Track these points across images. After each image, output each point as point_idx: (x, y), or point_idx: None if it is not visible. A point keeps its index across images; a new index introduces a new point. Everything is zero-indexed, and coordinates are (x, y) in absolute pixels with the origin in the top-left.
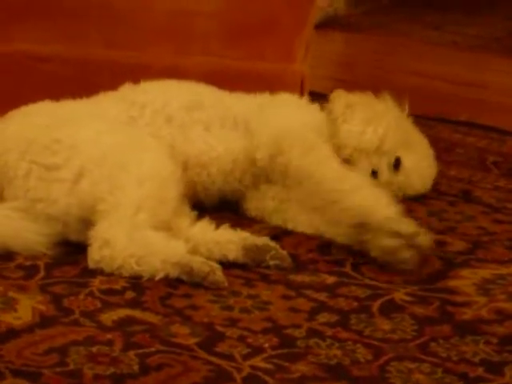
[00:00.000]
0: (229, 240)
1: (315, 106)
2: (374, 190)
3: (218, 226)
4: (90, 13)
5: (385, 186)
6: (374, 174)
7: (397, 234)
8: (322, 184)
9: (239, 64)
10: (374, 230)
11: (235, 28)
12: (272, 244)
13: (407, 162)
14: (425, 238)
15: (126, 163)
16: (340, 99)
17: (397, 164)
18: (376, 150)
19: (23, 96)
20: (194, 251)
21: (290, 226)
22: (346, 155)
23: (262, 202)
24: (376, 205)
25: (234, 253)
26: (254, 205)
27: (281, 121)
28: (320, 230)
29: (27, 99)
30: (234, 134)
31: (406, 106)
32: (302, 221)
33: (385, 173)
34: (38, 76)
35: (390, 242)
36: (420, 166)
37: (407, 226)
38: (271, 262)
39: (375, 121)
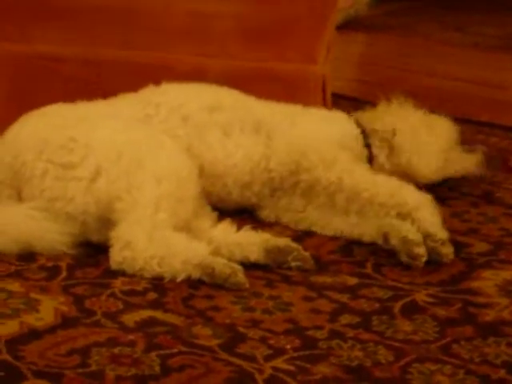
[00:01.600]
0: (250, 241)
1: (344, 120)
2: (413, 189)
3: (239, 228)
4: (110, 14)
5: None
6: None
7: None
8: (359, 193)
9: (259, 65)
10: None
11: (255, 29)
12: (294, 245)
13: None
14: (448, 250)
15: (142, 161)
16: (385, 118)
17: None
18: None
19: (41, 97)
20: (215, 253)
21: (314, 230)
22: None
23: (277, 211)
24: (422, 201)
25: (255, 254)
26: (268, 213)
27: (303, 137)
28: (343, 232)
29: (45, 100)
30: (253, 139)
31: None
32: (323, 225)
33: None
34: (56, 77)
35: (411, 235)
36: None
37: (440, 231)
38: (293, 264)
39: (424, 152)
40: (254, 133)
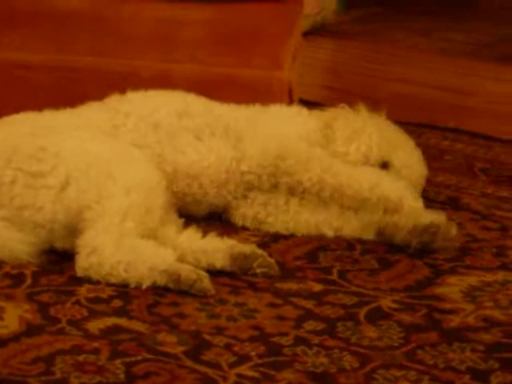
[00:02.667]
0: (216, 248)
1: (306, 115)
2: (394, 181)
3: (204, 234)
4: (77, 21)
5: None
6: None
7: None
8: (343, 190)
9: (225, 71)
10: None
11: (221, 36)
12: (259, 252)
13: (396, 161)
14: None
15: (112, 172)
16: (319, 119)
17: (385, 165)
18: (364, 163)
19: (8, 104)
20: (181, 260)
21: (290, 229)
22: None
23: (251, 210)
24: (404, 193)
25: (221, 261)
26: (240, 213)
27: (269, 133)
28: (323, 230)
29: (13, 108)
30: (224, 142)
31: (384, 113)
32: (303, 222)
33: None
34: (23, 85)
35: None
36: (409, 162)
37: (438, 215)
38: (258, 270)
39: (356, 138)
40: (224, 137)
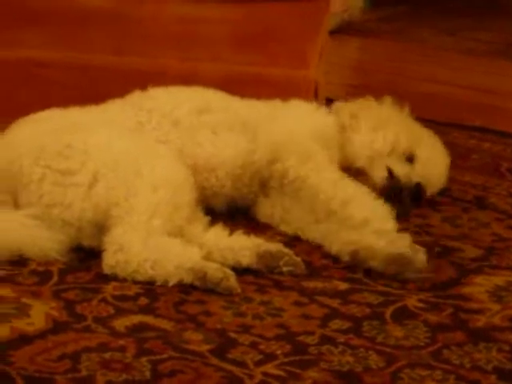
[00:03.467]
0: (242, 246)
1: (324, 111)
2: (371, 201)
3: (231, 232)
4: (98, 19)
5: (407, 179)
6: (391, 174)
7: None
8: (318, 193)
9: (250, 70)
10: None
11: (246, 34)
12: (285, 250)
13: (421, 152)
14: (418, 257)
15: (139, 169)
16: (342, 110)
17: (410, 157)
18: (389, 153)
19: (26, 103)
20: (207, 257)
21: (298, 234)
22: (360, 164)
23: (271, 210)
24: (372, 216)
25: (247, 259)
26: (263, 212)
27: (283, 127)
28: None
29: (30, 106)
30: (242, 137)
31: (407, 109)
32: (308, 229)
33: (399, 167)
34: (41, 83)
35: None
36: (434, 155)
37: (403, 241)
38: (284, 269)
39: (382, 127)
40: (241, 131)
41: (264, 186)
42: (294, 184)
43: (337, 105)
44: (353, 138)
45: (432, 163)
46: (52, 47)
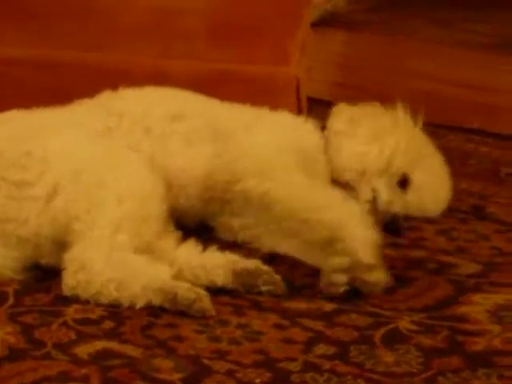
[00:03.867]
0: (217, 264)
1: (310, 127)
2: (346, 208)
3: (205, 248)
4: (65, 13)
5: (387, 208)
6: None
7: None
8: (288, 206)
9: (228, 67)
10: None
11: (223, 28)
12: (264, 268)
13: (417, 178)
14: (378, 276)
15: (103, 178)
16: (342, 114)
17: (404, 182)
18: (380, 171)
19: None
20: (178, 276)
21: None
22: (347, 178)
23: (231, 231)
24: (344, 224)
25: (222, 278)
26: (224, 233)
27: (252, 141)
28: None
29: None
30: (210, 148)
31: (420, 118)
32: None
33: (385, 193)
34: (7, 82)
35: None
36: (432, 183)
37: (369, 255)
38: (263, 288)
39: (382, 138)
40: (212, 141)
41: (223, 205)
42: (261, 202)
43: (337, 106)
44: (342, 145)
45: (427, 190)
46: (13, 43)
